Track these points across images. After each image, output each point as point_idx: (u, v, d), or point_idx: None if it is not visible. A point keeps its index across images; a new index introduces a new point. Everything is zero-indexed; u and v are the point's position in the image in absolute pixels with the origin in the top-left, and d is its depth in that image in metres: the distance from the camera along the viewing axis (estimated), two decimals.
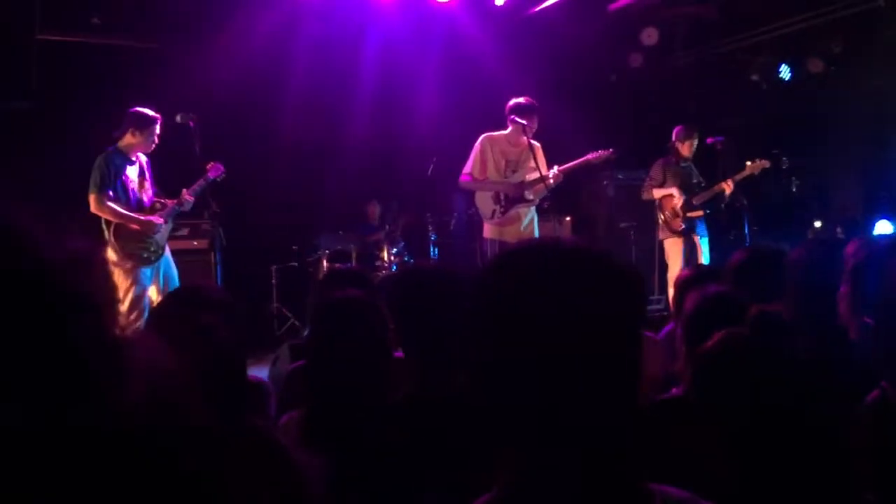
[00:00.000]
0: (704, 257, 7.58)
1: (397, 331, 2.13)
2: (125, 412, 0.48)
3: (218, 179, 5.99)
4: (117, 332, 0.51)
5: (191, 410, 0.53)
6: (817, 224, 8.45)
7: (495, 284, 1.11)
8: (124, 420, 0.48)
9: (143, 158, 5.98)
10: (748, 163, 7.49)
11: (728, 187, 7.45)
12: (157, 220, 5.82)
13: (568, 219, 8.79)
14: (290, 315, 8.25)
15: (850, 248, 2.23)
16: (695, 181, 7.73)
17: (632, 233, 8.95)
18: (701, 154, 7.84)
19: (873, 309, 1.72)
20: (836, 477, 1.57)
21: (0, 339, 0.45)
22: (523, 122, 6.33)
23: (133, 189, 5.82)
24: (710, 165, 7.91)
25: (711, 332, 1.76)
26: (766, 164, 7.46)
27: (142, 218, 5.76)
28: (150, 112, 5.84)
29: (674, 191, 7.68)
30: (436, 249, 8.31)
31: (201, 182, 5.96)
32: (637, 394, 1.09)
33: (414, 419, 1.90)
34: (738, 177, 7.47)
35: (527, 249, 1.15)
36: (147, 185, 5.95)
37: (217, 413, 0.56)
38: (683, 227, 7.63)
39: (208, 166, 5.97)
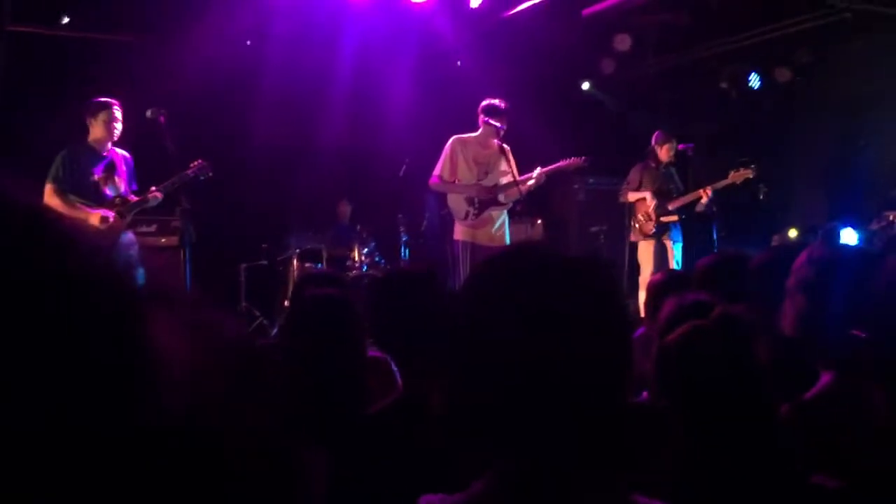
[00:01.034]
0: (676, 263, 7.64)
1: (379, 335, 2.12)
2: (170, 413, 0.48)
3: (201, 178, 5.97)
4: (154, 327, 0.52)
5: (233, 411, 0.54)
6: (792, 233, 8.56)
7: (477, 292, 1.13)
8: (168, 421, 0.48)
9: (121, 154, 5.96)
10: (732, 172, 7.53)
11: (706, 195, 7.50)
12: (104, 212, 5.71)
13: (539, 222, 8.83)
14: (258, 314, 8.20)
15: (803, 257, 2.21)
16: (672, 186, 7.79)
17: (602, 236, 9.01)
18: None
19: (867, 319, 1.75)
20: (785, 464, 1.61)
21: (48, 340, 0.45)
22: (497, 124, 6.34)
23: (94, 181, 5.76)
24: (681, 172, 7.99)
25: None
26: (749, 173, 7.48)
27: (90, 211, 5.65)
28: (103, 98, 5.82)
29: (647, 195, 7.75)
30: (407, 250, 8.30)
31: (175, 179, 5.90)
32: (622, 399, 1.09)
33: (399, 424, 1.90)
34: (719, 185, 7.51)
35: (508, 256, 1.16)
36: (118, 180, 5.88)
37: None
38: (654, 230, 7.70)
39: (192, 164, 5.95)
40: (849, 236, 8.06)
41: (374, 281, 6.42)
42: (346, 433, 1.89)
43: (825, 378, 1.98)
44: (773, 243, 8.36)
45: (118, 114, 5.83)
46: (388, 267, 8.02)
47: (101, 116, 5.77)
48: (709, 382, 1.64)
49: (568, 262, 1.11)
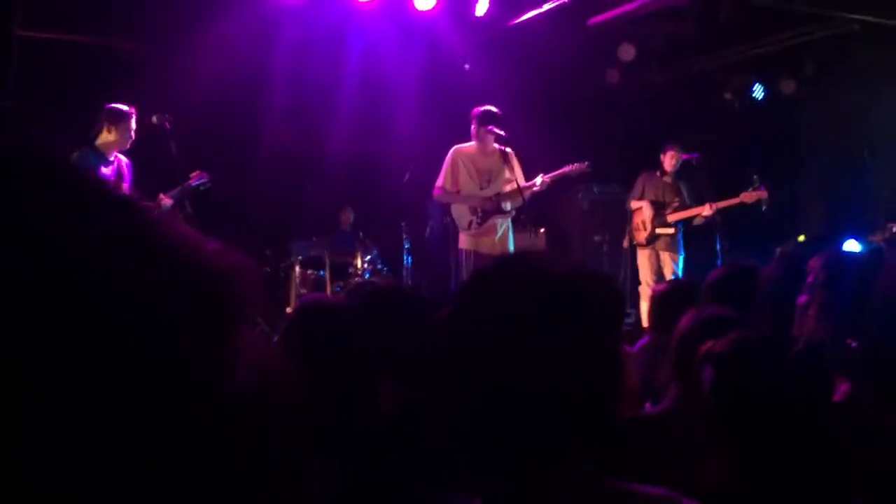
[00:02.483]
0: (675, 274, 7.60)
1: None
2: (234, 408, 0.49)
3: (201, 188, 6.06)
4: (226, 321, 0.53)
5: (292, 407, 0.55)
6: (801, 238, 8.57)
7: (463, 309, 1.18)
8: (231, 417, 0.49)
9: (124, 160, 5.97)
10: (743, 192, 7.42)
11: (707, 210, 7.41)
12: None
13: (542, 231, 8.83)
14: (259, 321, 8.18)
15: (815, 263, 2.23)
16: (676, 197, 7.75)
17: (604, 246, 9.01)
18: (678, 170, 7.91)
19: (867, 325, 1.75)
20: (833, 481, 1.60)
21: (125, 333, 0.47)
22: (496, 130, 6.36)
23: None
24: (688, 182, 7.99)
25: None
26: (763, 194, 7.35)
27: None
28: (124, 107, 5.85)
29: (643, 204, 7.76)
30: (409, 257, 8.29)
31: (181, 188, 6.00)
32: (607, 403, 1.12)
33: (394, 434, 1.91)
34: (724, 204, 7.41)
35: (494, 270, 1.20)
36: (124, 186, 5.91)
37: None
38: (647, 240, 7.71)
39: (192, 174, 6.05)
40: (852, 247, 8.05)
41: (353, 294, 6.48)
42: (353, 440, 1.89)
43: (842, 387, 1.98)
44: (777, 254, 8.34)
45: (134, 122, 5.88)
46: (390, 275, 8.03)
47: (123, 124, 5.82)
48: (767, 396, 1.62)
49: (545, 274, 1.14)
